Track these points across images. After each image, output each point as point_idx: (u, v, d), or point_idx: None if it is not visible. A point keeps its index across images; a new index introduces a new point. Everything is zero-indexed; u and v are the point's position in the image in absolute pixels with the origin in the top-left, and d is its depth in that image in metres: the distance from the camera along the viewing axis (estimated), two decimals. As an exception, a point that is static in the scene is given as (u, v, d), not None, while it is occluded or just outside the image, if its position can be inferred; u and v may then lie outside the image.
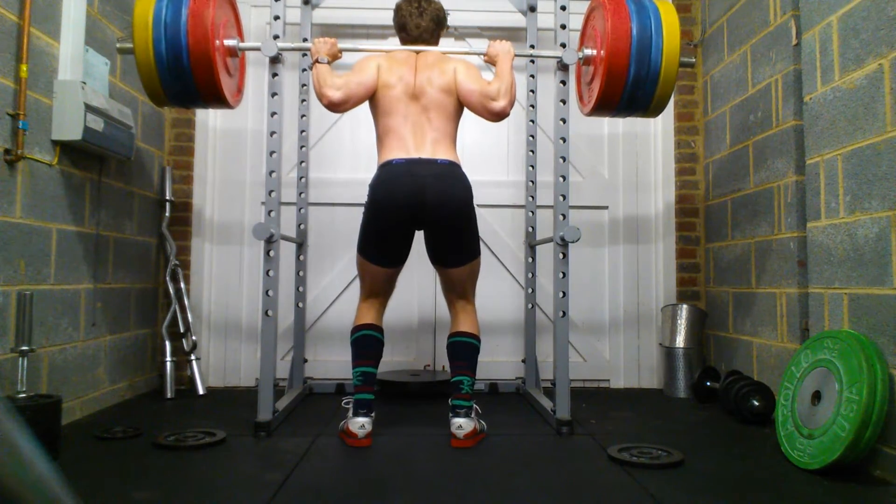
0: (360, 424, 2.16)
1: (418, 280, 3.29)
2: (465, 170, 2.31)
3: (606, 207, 3.42)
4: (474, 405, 2.27)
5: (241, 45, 2.43)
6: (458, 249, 2.27)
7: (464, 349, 2.29)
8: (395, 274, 2.33)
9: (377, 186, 2.22)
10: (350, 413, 2.20)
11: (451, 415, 2.22)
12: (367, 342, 2.27)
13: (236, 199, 3.31)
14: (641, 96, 2.29)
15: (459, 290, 2.33)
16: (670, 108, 3.41)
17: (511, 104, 2.27)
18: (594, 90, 2.37)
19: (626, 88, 2.27)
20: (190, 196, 3.25)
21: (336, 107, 2.24)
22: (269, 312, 2.35)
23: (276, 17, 2.47)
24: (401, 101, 2.25)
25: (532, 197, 3.13)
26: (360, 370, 2.24)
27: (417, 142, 2.23)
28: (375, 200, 2.21)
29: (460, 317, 2.33)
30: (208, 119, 3.32)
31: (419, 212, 2.18)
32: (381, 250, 2.25)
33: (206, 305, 3.28)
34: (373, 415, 2.22)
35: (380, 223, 2.22)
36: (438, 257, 2.31)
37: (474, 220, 2.28)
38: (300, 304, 3.03)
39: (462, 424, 2.16)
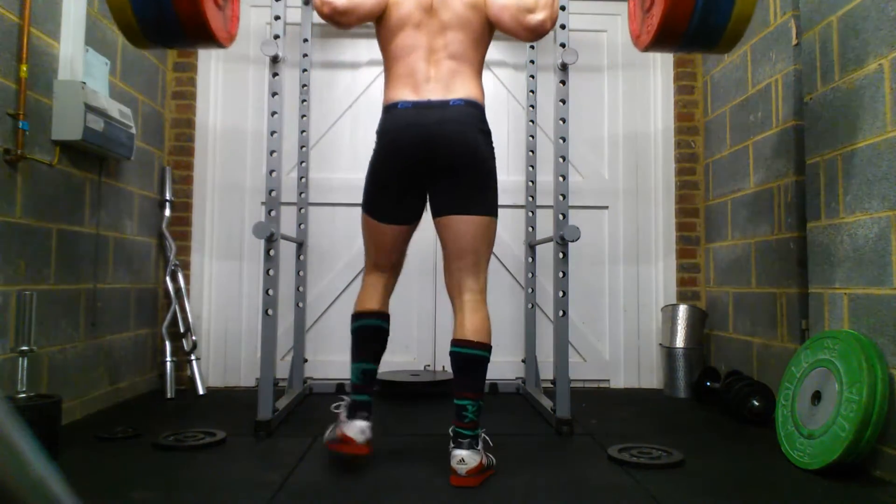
0: (359, 429, 1.84)
1: (419, 278, 3.29)
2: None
3: (606, 207, 3.42)
4: (482, 434, 1.86)
5: None
6: (470, 195, 1.86)
7: (468, 365, 1.84)
8: (404, 235, 1.98)
9: (382, 136, 1.91)
10: (344, 415, 1.89)
11: (451, 445, 1.80)
12: (368, 333, 1.95)
13: (236, 199, 3.31)
14: (714, 22, 1.85)
15: (468, 259, 1.88)
16: (670, 108, 3.42)
17: (552, 20, 1.87)
18: (654, 17, 1.93)
19: (696, 11, 1.83)
20: (190, 196, 3.25)
21: (339, 16, 1.86)
22: (270, 311, 2.34)
23: (277, 17, 2.47)
24: (413, 20, 1.88)
25: (532, 197, 3.13)
26: (359, 367, 1.93)
27: (430, 74, 1.87)
28: (380, 153, 1.91)
29: (466, 315, 1.86)
30: (208, 119, 3.32)
31: (429, 165, 1.85)
32: (388, 205, 1.93)
33: (206, 305, 3.28)
34: (371, 419, 1.92)
35: (385, 178, 1.90)
36: (446, 204, 1.87)
37: (493, 173, 1.90)
38: (300, 304, 3.03)
39: (464, 458, 1.75)
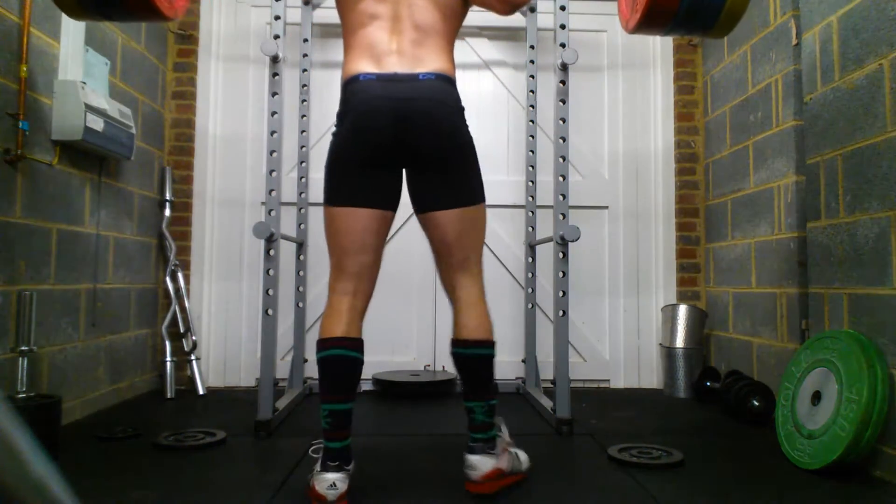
0: (329, 483, 1.54)
1: (418, 274, 3.29)
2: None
3: (606, 207, 3.42)
4: (501, 433, 1.73)
5: None
6: (455, 185, 1.67)
7: (471, 365, 1.70)
8: (376, 225, 1.66)
9: (344, 115, 1.66)
10: (318, 465, 1.59)
11: (466, 450, 1.69)
12: (337, 367, 1.62)
13: (236, 198, 3.31)
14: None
15: (459, 253, 1.69)
16: (670, 108, 3.42)
17: None
18: None
19: None
20: (190, 196, 3.25)
21: None
22: (270, 311, 2.34)
23: (277, 17, 2.47)
24: None
25: (532, 197, 3.13)
26: (329, 408, 1.60)
27: (393, 44, 1.64)
28: (343, 134, 1.65)
29: (463, 312, 1.70)
30: (208, 119, 3.32)
31: (402, 148, 1.62)
32: (356, 187, 1.64)
33: (206, 305, 3.27)
34: (349, 467, 1.60)
35: (351, 159, 1.63)
36: (429, 198, 1.67)
37: (475, 154, 1.71)
38: (300, 304, 3.03)
39: (474, 463, 1.62)
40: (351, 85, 1.65)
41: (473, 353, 1.69)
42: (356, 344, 1.64)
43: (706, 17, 1.69)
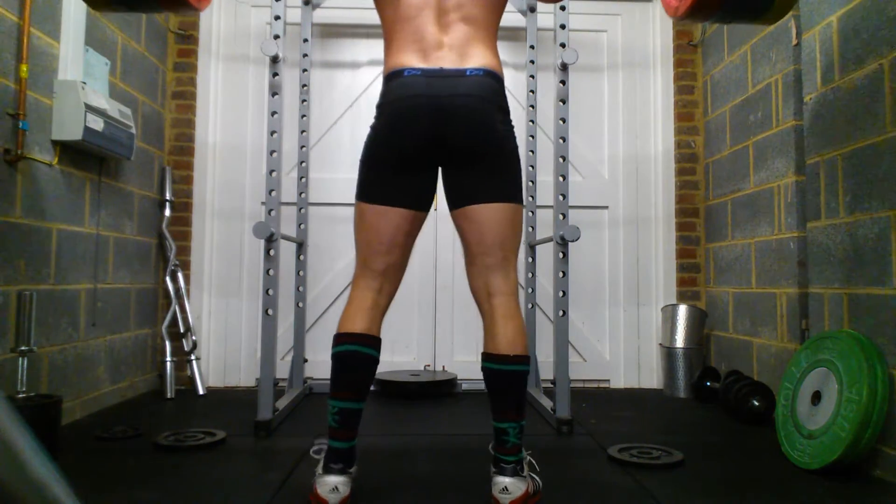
0: (331, 487, 1.50)
1: (419, 275, 3.29)
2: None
3: (606, 207, 3.42)
4: (528, 457, 1.61)
5: None
6: (492, 180, 1.59)
7: (505, 382, 1.58)
8: (407, 225, 1.62)
9: (384, 109, 1.60)
10: (320, 467, 1.56)
11: (492, 469, 1.57)
12: (352, 363, 1.59)
13: (236, 199, 3.31)
14: None
15: (495, 255, 1.61)
16: (670, 107, 3.42)
17: None
18: None
19: None
20: (190, 196, 3.25)
21: None
22: (270, 311, 2.34)
23: (277, 17, 2.47)
24: None
25: (532, 197, 3.13)
26: (338, 406, 1.56)
27: (442, 39, 1.59)
28: (381, 129, 1.59)
29: (498, 323, 1.59)
30: (209, 119, 3.32)
31: (441, 146, 1.57)
32: (390, 185, 1.60)
33: (206, 305, 3.28)
34: (353, 470, 1.57)
35: (387, 157, 1.59)
36: (465, 192, 1.60)
37: (516, 154, 1.63)
38: (300, 304, 3.03)
39: (508, 486, 1.51)
40: (394, 79, 1.59)
41: (509, 370, 1.58)
42: (374, 342, 1.61)
43: (760, 1, 1.59)
